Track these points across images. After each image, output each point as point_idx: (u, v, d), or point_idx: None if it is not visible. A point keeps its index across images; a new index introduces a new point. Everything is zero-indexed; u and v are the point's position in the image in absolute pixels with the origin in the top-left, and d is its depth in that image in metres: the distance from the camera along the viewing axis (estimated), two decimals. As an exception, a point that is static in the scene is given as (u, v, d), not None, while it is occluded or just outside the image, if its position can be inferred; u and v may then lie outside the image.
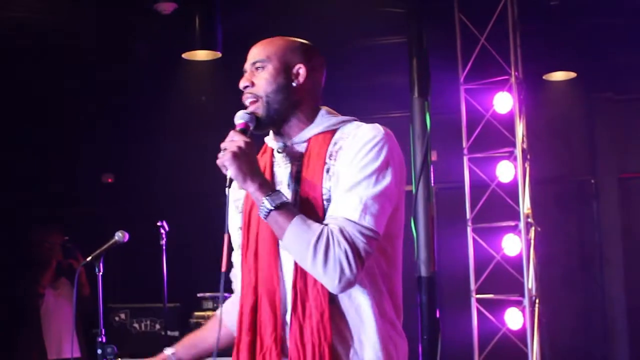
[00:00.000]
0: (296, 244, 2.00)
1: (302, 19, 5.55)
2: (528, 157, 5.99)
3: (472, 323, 5.90)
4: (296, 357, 2.04)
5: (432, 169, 5.54)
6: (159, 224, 5.08)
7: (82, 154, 7.18)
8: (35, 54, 6.05)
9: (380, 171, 2.05)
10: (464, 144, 6.03)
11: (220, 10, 5.55)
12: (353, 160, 2.06)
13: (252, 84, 2.19)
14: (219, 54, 5.78)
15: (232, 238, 2.31)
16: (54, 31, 5.83)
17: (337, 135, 2.16)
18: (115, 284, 5.86)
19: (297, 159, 2.18)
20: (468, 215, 5.99)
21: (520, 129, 5.91)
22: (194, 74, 6.62)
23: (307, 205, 2.08)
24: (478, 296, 5.92)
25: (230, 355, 2.23)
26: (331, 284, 1.99)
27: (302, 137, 2.19)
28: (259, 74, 2.19)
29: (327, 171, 2.10)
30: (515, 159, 5.86)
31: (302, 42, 2.29)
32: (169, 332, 5.19)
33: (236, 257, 2.31)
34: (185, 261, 5.81)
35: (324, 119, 2.21)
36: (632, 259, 7.32)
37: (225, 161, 2.04)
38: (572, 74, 6.81)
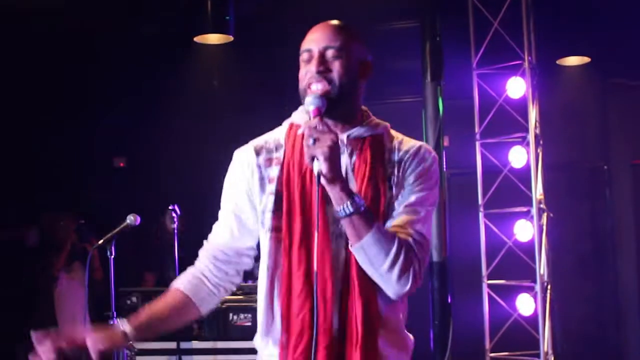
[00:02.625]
0: (375, 250, 2.04)
1: (314, 3, 5.53)
2: (541, 142, 5.96)
3: (484, 309, 5.90)
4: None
5: (444, 154, 5.52)
6: (171, 207, 5.09)
7: (94, 138, 7.19)
8: (46, 38, 6.05)
9: (435, 194, 2.22)
10: (477, 129, 6.01)
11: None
12: (418, 179, 2.17)
13: (329, 70, 2.15)
14: (231, 38, 5.77)
15: (245, 215, 2.27)
16: (65, 14, 5.82)
17: (391, 143, 2.22)
18: (127, 267, 5.87)
19: (350, 154, 2.18)
20: (480, 201, 5.97)
21: (533, 114, 5.87)
22: (206, 57, 6.61)
23: (370, 206, 2.11)
24: (490, 282, 5.91)
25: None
26: (400, 290, 2.06)
27: (358, 133, 2.20)
28: (335, 62, 2.15)
29: (388, 179, 2.17)
30: (527, 144, 5.83)
31: (363, 36, 2.28)
32: (180, 316, 5.21)
33: (262, 237, 2.25)
34: (197, 245, 5.82)
35: (372, 122, 2.24)
36: (645, 246, 7.30)
37: (319, 154, 1.98)
38: (586, 59, 6.77)
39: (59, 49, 6.23)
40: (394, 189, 2.17)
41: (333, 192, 2.03)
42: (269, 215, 2.20)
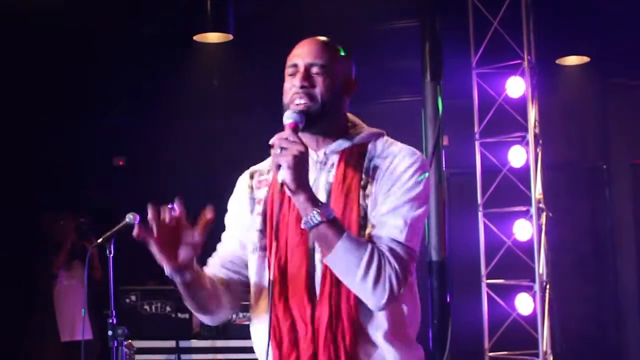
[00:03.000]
0: (346, 261, 2.00)
1: (314, 2, 5.53)
2: (540, 142, 5.96)
3: (483, 308, 5.90)
4: None
5: (443, 154, 5.52)
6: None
7: (94, 137, 7.19)
8: (46, 38, 6.04)
9: (420, 198, 2.10)
10: (476, 129, 6.01)
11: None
12: (396, 183, 2.10)
13: (312, 85, 2.15)
14: (230, 37, 5.77)
15: (244, 238, 2.27)
16: (65, 13, 5.82)
17: (371, 150, 2.18)
18: (126, 265, 5.87)
19: (329, 168, 2.17)
20: (479, 200, 5.97)
21: (532, 113, 5.87)
22: (206, 56, 6.61)
23: (345, 217, 2.08)
24: (489, 281, 5.91)
25: None
26: (377, 302, 2.01)
27: (336, 147, 2.18)
28: (319, 79, 2.16)
29: (364, 188, 2.12)
30: (527, 143, 5.83)
31: (350, 53, 2.28)
32: (179, 315, 5.22)
33: (250, 258, 2.25)
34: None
35: (357, 132, 2.21)
36: (644, 245, 7.30)
37: (283, 162, 1.98)
38: (586, 59, 6.77)
39: (58, 49, 6.22)
40: (369, 197, 2.11)
41: (298, 203, 2.01)
42: (256, 235, 2.22)
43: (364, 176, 2.13)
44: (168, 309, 5.28)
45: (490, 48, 5.89)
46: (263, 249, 2.20)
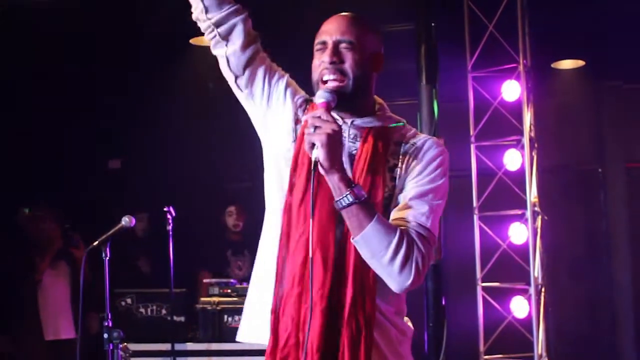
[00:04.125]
0: (376, 242, 2.02)
1: (309, 5, 5.53)
2: (535, 145, 5.97)
3: (478, 311, 5.90)
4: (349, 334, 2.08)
5: (439, 157, 5.49)
6: (165, 209, 5.09)
7: (89, 139, 7.18)
8: (44, 38, 6.03)
9: (444, 188, 2.17)
10: (472, 132, 6.02)
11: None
12: (424, 171, 2.16)
13: (341, 61, 2.18)
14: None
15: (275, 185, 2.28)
16: (60, 13, 5.80)
17: (397, 136, 2.22)
18: (122, 268, 5.87)
19: (353, 140, 2.20)
20: (475, 204, 5.98)
21: (528, 117, 5.88)
22: (202, 59, 6.60)
23: (369, 196, 2.11)
24: (484, 284, 5.92)
25: None
26: (402, 283, 2.04)
27: (364, 123, 2.21)
28: (348, 54, 2.18)
29: (390, 170, 2.17)
30: (522, 147, 5.84)
31: (378, 28, 2.30)
32: (175, 317, 5.21)
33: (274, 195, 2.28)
34: (191, 247, 5.82)
35: (385, 114, 2.26)
36: (639, 248, 7.30)
37: (317, 140, 1.99)
38: (581, 63, 6.79)
39: (49, 49, 6.21)
40: (397, 181, 2.16)
41: (331, 182, 2.03)
42: (288, 161, 2.22)
43: (390, 158, 2.18)
44: (163, 311, 5.28)
45: (486, 51, 5.90)
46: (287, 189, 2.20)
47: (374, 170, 2.15)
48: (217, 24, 2.29)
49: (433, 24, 5.49)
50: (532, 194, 5.82)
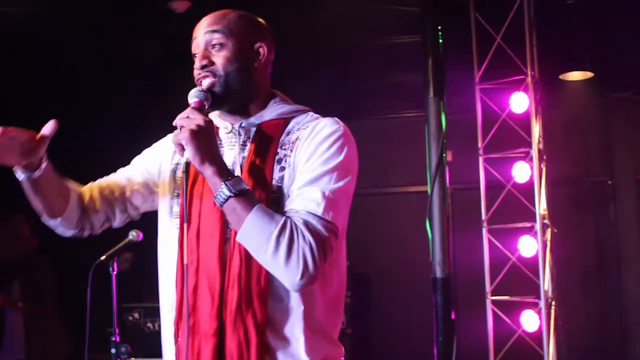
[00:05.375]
0: (256, 235, 1.86)
1: (317, 18, 5.51)
2: (544, 157, 5.93)
3: (488, 325, 5.85)
4: (235, 349, 1.92)
5: (447, 170, 5.48)
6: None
7: (95, 151, 7.13)
8: (56, 44, 6.01)
9: (342, 167, 1.97)
10: (480, 144, 5.98)
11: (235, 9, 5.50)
12: (315, 153, 1.97)
13: (211, 63, 2.05)
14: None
15: (150, 179, 2.23)
16: (67, 26, 5.79)
17: (290, 124, 2.08)
18: (128, 283, 5.83)
19: (244, 143, 2.07)
20: (483, 216, 5.94)
21: (536, 129, 5.85)
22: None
23: (255, 193, 1.95)
24: (493, 298, 5.87)
25: None
26: (292, 279, 1.86)
27: (253, 121, 2.09)
28: (219, 52, 2.06)
29: (279, 161, 2.00)
30: (531, 159, 5.80)
31: (254, 17, 2.16)
32: (182, 332, 5.16)
33: (164, 221, 2.16)
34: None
35: (277, 106, 2.11)
36: (650, 260, 7.25)
37: (182, 139, 1.88)
38: (589, 74, 6.74)
39: (73, 55, 6.19)
40: (286, 170, 1.99)
41: (207, 178, 1.91)
42: (172, 200, 2.14)
43: (279, 150, 2.02)
44: (171, 326, 5.24)
45: (494, 63, 5.87)
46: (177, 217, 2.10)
47: (259, 167, 1.99)
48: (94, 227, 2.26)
49: (440, 36, 5.46)
50: (541, 206, 5.77)
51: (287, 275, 1.86)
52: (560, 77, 6.68)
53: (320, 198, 1.91)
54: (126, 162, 2.39)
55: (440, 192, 5.37)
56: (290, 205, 1.93)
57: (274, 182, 1.98)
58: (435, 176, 5.35)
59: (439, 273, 5.33)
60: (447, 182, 5.47)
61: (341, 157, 1.97)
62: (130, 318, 5.24)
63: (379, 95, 6.82)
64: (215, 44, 2.06)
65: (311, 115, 2.12)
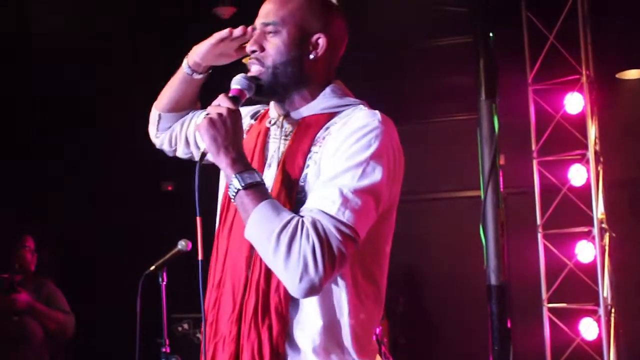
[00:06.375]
0: (259, 232, 1.72)
1: (364, 20, 5.45)
2: (601, 159, 5.79)
3: (545, 333, 5.72)
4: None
5: (500, 174, 5.37)
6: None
7: (141, 161, 7.13)
8: (86, 59, 6.03)
9: (369, 163, 1.77)
10: (534, 147, 5.86)
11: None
12: (340, 148, 1.80)
13: (262, 49, 1.93)
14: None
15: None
16: (110, 35, 5.81)
17: (334, 119, 1.92)
18: (178, 293, 5.81)
19: (286, 137, 1.95)
20: (538, 221, 5.81)
21: (592, 130, 5.71)
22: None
23: (281, 191, 1.84)
24: (550, 305, 5.73)
25: None
26: (291, 283, 1.69)
27: (298, 114, 1.97)
28: (272, 39, 1.93)
29: (310, 157, 1.86)
30: (587, 161, 5.67)
31: (324, 2, 2.00)
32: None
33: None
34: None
35: (325, 99, 1.95)
36: None
37: (200, 128, 1.81)
38: (647, 72, 6.56)
39: (95, 69, 6.21)
40: (310, 167, 1.84)
41: (222, 170, 1.83)
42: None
43: (312, 146, 1.88)
44: (220, 337, 5.20)
45: (547, 63, 5.76)
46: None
47: (293, 160, 1.86)
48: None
49: (491, 37, 5.35)
50: (598, 210, 5.63)
51: (286, 278, 1.70)
52: (617, 75, 6.50)
53: (337, 196, 1.73)
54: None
55: (493, 197, 5.28)
56: (308, 201, 1.78)
57: (300, 181, 1.84)
58: (489, 181, 5.25)
59: (493, 280, 5.24)
60: (501, 186, 5.36)
61: (369, 152, 1.78)
62: (180, 329, 5.22)
63: (430, 98, 6.73)
64: (269, 31, 1.94)
65: (360, 108, 1.94)
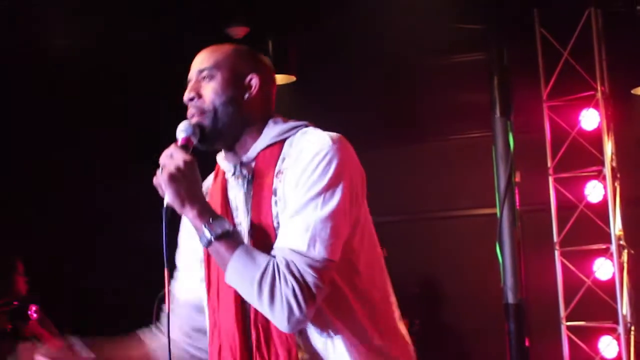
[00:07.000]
0: (240, 279, 1.80)
1: (378, 38, 5.46)
2: (618, 175, 5.73)
3: (564, 352, 5.63)
4: None
5: (516, 191, 5.33)
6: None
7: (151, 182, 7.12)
8: (99, 78, 6.05)
9: (327, 190, 1.82)
10: (549, 164, 5.80)
11: (294, 34, 5.47)
12: (299, 181, 1.84)
13: (199, 96, 1.98)
14: (293, 78, 5.70)
15: (189, 268, 2.12)
16: (119, 54, 5.82)
17: (285, 148, 1.94)
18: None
19: (248, 182, 1.97)
20: (555, 239, 5.74)
21: (608, 146, 5.66)
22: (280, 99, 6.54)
23: (259, 235, 1.88)
24: (569, 323, 5.66)
25: None
26: (281, 324, 1.79)
27: (250, 154, 1.98)
28: (207, 85, 1.98)
29: (275, 193, 1.89)
30: (604, 178, 5.62)
31: (251, 50, 2.10)
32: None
33: (201, 290, 2.09)
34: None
35: (269, 130, 1.99)
36: None
37: (161, 183, 1.83)
38: (663, 87, 6.51)
39: (113, 89, 6.23)
40: (279, 204, 1.88)
41: (190, 221, 1.84)
42: (200, 266, 2.07)
43: (274, 179, 1.90)
44: None
45: (561, 79, 5.71)
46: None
47: (260, 200, 1.90)
48: None
49: (505, 54, 5.34)
50: (616, 227, 5.57)
51: (275, 320, 1.81)
52: (632, 91, 6.45)
53: (303, 232, 1.79)
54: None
55: (509, 215, 5.26)
56: (277, 241, 1.84)
57: (273, 218, 1.88)
58: (505, 198, 5.23)
59: (511, 299, 5.21)
60: (517, 204, 5.32)
61: (325, 180, 1.82)
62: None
63: (444, 115, 6.71)
64: (204, 76, 1.99)
65: (306, 131, 1.97)
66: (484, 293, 6.29)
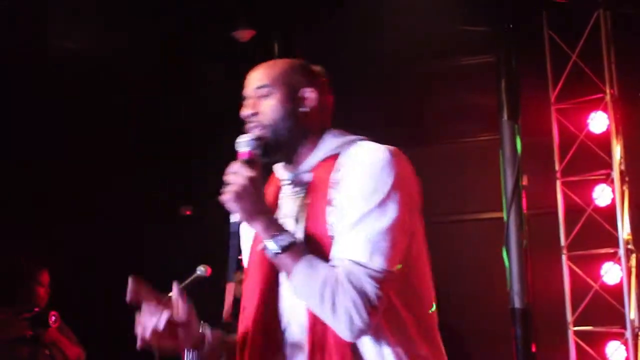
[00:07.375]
0: (304, 290, 1.88)
1: (384, 40, 5.43)
2: (626, 179, 5.69)
3: (571, 357, 5.61)
4: None
5: (523, 195, 5.30)
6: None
7: (159, 185, 7.11)
8: (106, 85, 6.04)
9: (386, 201, 1.87)
10: (557, 167, 5.79)
11: (299, 36, 5.45)
12: (355, 191, 1.90)
13: (257, 113, 2.06)
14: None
15: None
16: (127, 58, 5.81)
17: (340, 159, 2.00)
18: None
19: (304, 191, 2.05)
20: (563, 243, 5.72)
21: (617, 149, 5.64)
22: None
23: (314, 244, 1.94)
24: (576, 328, 5.64)
25: None
26: (343, 333, 1.85)
27: (307, 165, 2.06)
28: (264, 102, 2.05)
29: (331, 203, 1.95)
30: (612, 181, 5.59)
31: (306, 63, 2.16)
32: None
33: None
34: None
35: (325, 144, 2.06)
36: None
37: (227, 202, 1.91)
38: (672, 90, 6.48)
39: (116, 94, 6.21)
40: (334, 213, 1.93)
41: (261, 235, 1.93)
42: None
43: (330, 189, 1.95)
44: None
45: (570, 82, 5.70)
46: None
47: (316, 211, 1.96)
48: None
49: (513, 56, 5.31)
50: (624, 230, 5.54)
51: (337, 329, 1.86)
52: (641, 94, 6.43)
53: (363, 243, 1.85)
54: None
55: (516, 219, 5.23)
56: (336, 252, 1.89)
57: (328, 228, 1.93)
58: (512, 202, 5.21)
59: (517, 303, 5.18)
60: (524, 207, 5.29)
61: (385, 190, 1.88)
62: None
63: (451, 118, 6.68)
64: (263, 94, 2.07)
65: (360, 144, 2.03)
66: (490, 297, 6.25)
